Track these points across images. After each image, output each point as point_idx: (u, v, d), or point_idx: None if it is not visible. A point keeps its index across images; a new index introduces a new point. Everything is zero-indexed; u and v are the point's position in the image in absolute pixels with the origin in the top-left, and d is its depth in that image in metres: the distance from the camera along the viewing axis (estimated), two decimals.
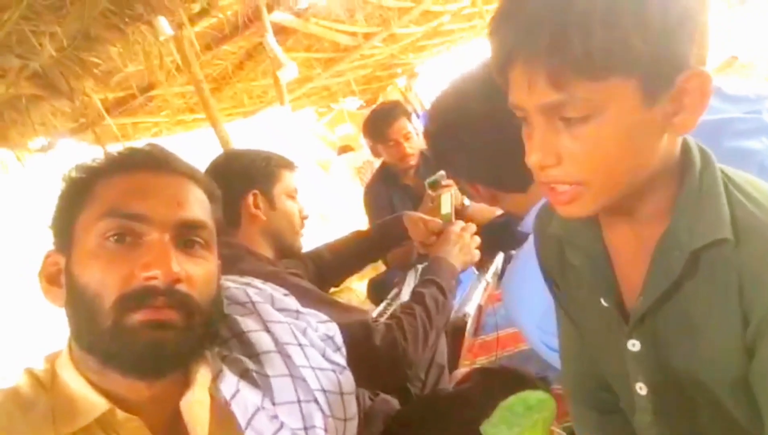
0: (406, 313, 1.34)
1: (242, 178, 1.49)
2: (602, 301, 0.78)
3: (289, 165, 1.58)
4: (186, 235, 0.82)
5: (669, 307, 0.71)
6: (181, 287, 0.77)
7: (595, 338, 0.87)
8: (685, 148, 0.69)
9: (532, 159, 0.66)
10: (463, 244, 1.57)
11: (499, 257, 2.26)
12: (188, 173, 0.87)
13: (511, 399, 0.84)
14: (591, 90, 0.59)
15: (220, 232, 1.39)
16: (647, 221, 0.71)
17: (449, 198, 1.91)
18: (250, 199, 1.48)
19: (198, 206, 0.85)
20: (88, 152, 3.66)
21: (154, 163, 0.84)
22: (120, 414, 0.76)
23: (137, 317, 0.74)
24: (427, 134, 1.25)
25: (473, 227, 1.64)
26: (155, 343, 0.75)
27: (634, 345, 0.76)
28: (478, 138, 1.13)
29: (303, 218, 1.60)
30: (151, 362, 0.76)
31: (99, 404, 0.75)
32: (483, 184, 1.21)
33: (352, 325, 1.23)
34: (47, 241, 0.85)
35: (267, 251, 1.50)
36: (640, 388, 0.79)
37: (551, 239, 0.86)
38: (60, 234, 0.81)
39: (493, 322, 1.98)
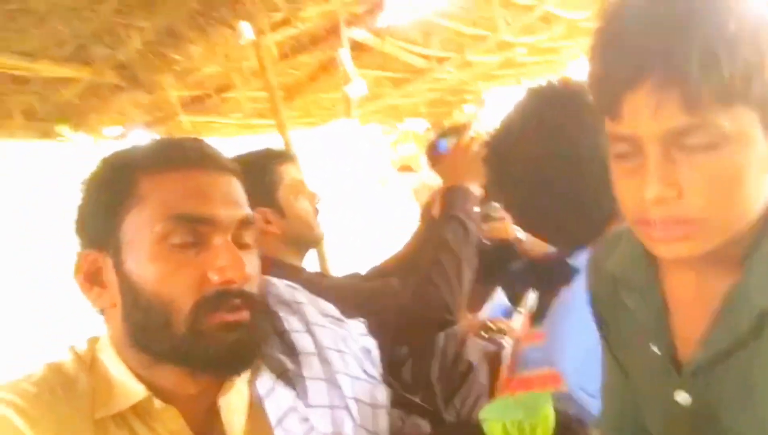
0: (434, 265, 1.30)
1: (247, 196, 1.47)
2: (653, 347, 0.75)
3: (283, 158, 1.54)
4: (243, 233, 0.82)
5: (728, 364, 0.67)
6: (248, 287, 0.79)
7: (640, 383, 0.84)
8: None
9: (649, 193, 0.60)
10: (471, 160, 1.48)
11: (533, 293, 2.22)
12: (231, 168, 0.85)
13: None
14: (723, 117, 0.56)
15: None
16: (716, 272, 0.67)
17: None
18: (262, 216, 1.45)
19: (245, 202, 0.84)
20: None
21: (203, 159, 0.81)
22: (157, 403, 0.77)
23: (214, 320, 0.75)
24: (485, 163, 1.24)
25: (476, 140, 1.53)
26: (233, 344, 0.76)
27: (681, 397, 0.72)
28: (533, 177, 1.11)
29: (316, 207, 1.55)
30: (231, 362, 0.77)
31: (137, 391, 0.76)
32: (540, 235, 1.19)
33: (382, 290, 1.19)
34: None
35: (293, 256, 1.48)
36: None
37: (606, 276, 0.83)
38: (99, 232, 0.79)
39: (534, 358, 1.94)
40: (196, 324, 0.74)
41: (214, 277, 0.75)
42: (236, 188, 0.84)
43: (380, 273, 1.71)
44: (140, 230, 0.76)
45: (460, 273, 1.31)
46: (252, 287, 0.80)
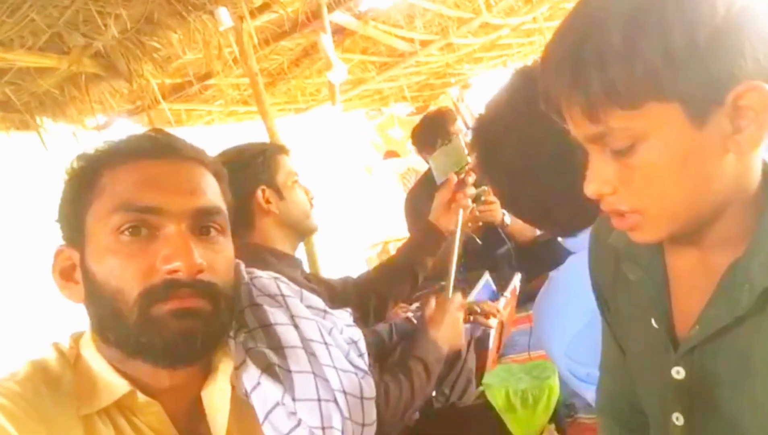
0: (394, 381, 1.28)
1: (247, 177, 1.48)
2: (653, 322, 0.75)
3: (283, 150, 1.58)
4: (202, 223, 0.81)
5: (725, 341, 0.68)
6: (204, 276, 0.77)
7: (637, 359, 0.84)
8: (767, 176, 0.66)
9: (589, 188, 0.66)
10: (454, 324, 1.48)
11: (518, 276, 2.23)
12: (197, 157, 0.85)
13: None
14: (627, 118, 0.59)
15: (235, 233, 1.40)
16: (717, 247, 0.68)
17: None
18: (260, 195, 1.48)
19: (210, 191, 0.83)
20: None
21: (161, 150, 0.82)
22: (141, 397, 0.77)
23: (165, 307, 0.74)
24: (473, 148, 1.23)
25: (458, 298, 1.55)
26: (185, 331, 0.75)
27: (678, 373, 0.73)
28: (521, 163, 1.10)
29: (311, 199, 1.59)
30: (183, 350, 0.76)
31: (120, 386, 0.76)
32: (529, 222, 1.18)
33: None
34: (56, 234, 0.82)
35: (285, 243, 1.50)
36: (677, 419, 0.76)
37: (608, 250, 0.83)
38: (70, 228, 0.80)
39: (524, 342, 1.95)
40: (145, 312, 0.74)
41: (162, 266, 0.75)
42: (198, 177, 0.83)
43: (369, 279, 1.73)
44: (98, 223, 0.77)
45: (405, 408, 1.27)
46: (211, 276, 0.78)
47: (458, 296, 1.53)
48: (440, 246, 1.73)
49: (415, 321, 1.77)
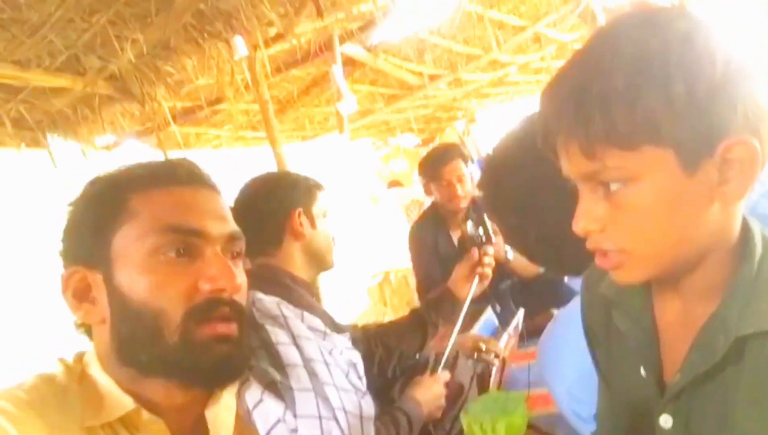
0: (384, 426, 1.30)
1: (287, 197, 1.53)
2: (642, 370, 0.77)
3: (321, 187, 1.63)
4: (231, 248, 0.84)
5: (708, 390, 0.69)
6: (238, 298, 0.80)
7: (628, 408, 0.85)
8: (746, 230, 0.68)
9: (578, 225, 0.68)
10: (437, 397, 1.55)
11: (521, 312, 2.23)
12: (216, 187, 0.88)
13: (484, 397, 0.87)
14: (624, 159, 0.62)
15: (259, 251, 1.41)
16: (699, 298, 0.70)
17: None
18: (296, 217, 1.51)
19: (233, 218, 0.87)
20: (149, 155, 3.79)
21: (189, 177, 0.84)
22: (145, 414, 0.77)
23: (206, 331, 0.76)
24: (480, 187, 1.24)
25: (446, 376, 1.63)
26: (224, 356, 0.77)
27: (666, 421, 0.74)
28: (526, 204, 1.11)
29: (333, 239, 1.63)
30: (220, 375, 0.79)
31: (125, 402, 0.77)
32: (536, 261, 1.19)
33: None
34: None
35: (304, 270, 1.52)
36: None
37: (599, 299, 0.85)
38: (89, 249, 0.80)
39: (525, 380, 1.94)
40: (187, 334, 0.75)
41: (205, 286, 0.77)
42: (223, 205, 0.86)
43: (379, 331, 1.78)
44: (132, 245, 0.78)
45: None
46: (241, 298, 0.82)
47: (446, 374, 1.61)
48: (454, 312, 1.78)
49: None
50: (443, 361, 1.64)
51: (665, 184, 0.62)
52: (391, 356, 1.71)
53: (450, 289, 1.75)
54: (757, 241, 0.67)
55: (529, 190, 1.10)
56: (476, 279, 1.76)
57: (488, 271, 1.77)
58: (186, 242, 0.78)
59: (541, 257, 1.19)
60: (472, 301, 2.35)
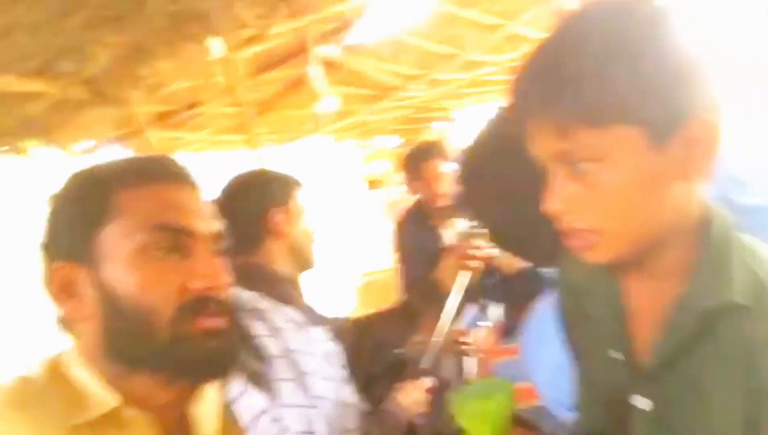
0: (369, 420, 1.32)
1: (265, 196, 1.52)
2: (614, 353, 0.78)
3: (298, 184, 1.62)
4: (216, 246, 0.84)
5: (680, 369, 0.71)
6: (225, 296, 0.81)
7: (602, 390, 0.86)
8: (706, 210, 0.70)
9: (548, 205, 0.69)
10: (418, 402, 1.55)
11: (502, 307, 2.25)
12: (198, 184, 0.88)
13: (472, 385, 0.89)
14: (595, 137, 0.63)
15: (240, 251, 1.41)
16: (665, 279, 0.72)
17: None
18: (275, 215, 1.51)
19: (216, 217, 0.88)
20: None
21: (175, 174, 0.85)
22: (130, 411, 0.77)
23: (195, 326, 0.77)
24: (459, 182, 1.25)
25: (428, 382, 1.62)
26: (214, 351, 0.78)
27: (644, 404, 0.75)
28: (505, 195, 1.12)
29: (312, 235, 1.62)
30: (210, 369, 0.79)
31: (109, 400, 0.76)
32: (512, 250, 1.20)
33: None
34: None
35: (286, 267, 1.52)
36: None
37: (571, 286, 0.87)
38: (74, 245, 0.79)
39: (508, 374, 1.95)
40: (177, 329, 0.76)
41: (196, 284, 0.78)
42: (207, 204, 0.87)
43: (367, 322, 1.77)
44: (120, 241, 0.78)
45: None
46: (228, 296, 0.82)
47: (428, 380, 1.60)
48: (442, 300, 1.76)
49: None
50: (430, 358, 1.63)
51: (634, 162, 0.64)
52: (379, 346, 1.71)
53: (436, 279, 1.75)
54: (718, 221, 0.70)
55: (504, 181, 1.11)
56: (462, 271, 1.74)
57: (475, 263, 1.75)
58: (175, 240, 0.79)
59: (516, 246, 1.20)
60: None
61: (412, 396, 1.52)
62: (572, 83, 0.62)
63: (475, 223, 2.14)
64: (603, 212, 0.67)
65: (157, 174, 0.83)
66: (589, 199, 0.66)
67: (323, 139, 3.92)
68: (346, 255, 4.37)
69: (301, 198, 1.60)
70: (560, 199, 0.68)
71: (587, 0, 0.69)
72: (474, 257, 1.70)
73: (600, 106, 0.62)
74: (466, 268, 1.70)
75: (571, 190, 0.67)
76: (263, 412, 0.91)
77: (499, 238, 1.23)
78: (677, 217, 0.68)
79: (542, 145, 0.68)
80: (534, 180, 1.03)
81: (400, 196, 6.42)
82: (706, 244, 0.69)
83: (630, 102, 0.61)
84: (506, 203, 1.12)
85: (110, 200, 0.79)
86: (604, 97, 0.61)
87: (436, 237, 2.77)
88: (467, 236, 2.11)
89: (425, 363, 1.66)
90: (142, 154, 0.89)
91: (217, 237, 0.85)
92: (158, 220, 0.78)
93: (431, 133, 7.48)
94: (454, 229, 2.23)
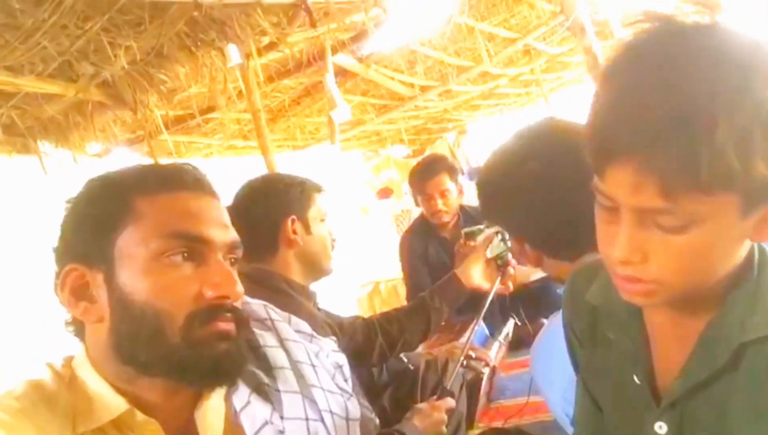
0: None
1: (280, 204, 1.52)
2: (635, 378, 0.77)
3: (319, 188, 1.62)
4: (232, 255, 0.86)
5: (705, 395, 0.70)
6: (238, 304, 0.82)
7: (616, 416, 0.85)
8: (750, 247, 0.69)
9: (616, 254, 0.64)
10: (437, 423, 1.51)
11: (510, 322, 2.24)
12: (218, 194, 0.90)
13: None
14: (700, 202, 0.58)
15: (255, 257, 1.41)
16: (693, 309, 0.71)
17: (496, 243, 1.82)
18: (289, 224, 1.51)
19: (233, 226, 0.88)
20: (139, 162, 3.77)
21: (195, 183, 0.86)
22: (139, 415, 0.78)
23: (208, 330, 0.78)
24: (479, 188, 1.25)
25: (450, 403, 1.58)
26: (224, 354, 0.80)
27: (660, 428, 0.74)
28: (535, 198, 1.12)
29: (333, 241, 1.62)
30: (219, 373, 0.80)
31: (118, 404, 0.77)
32: (533, 245, 1.19)
33: None
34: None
35: (300, 275, 1.52)
36: None
37: (586, 306, 0.85)
38: (89, 248, 0.80)
39: (516, 388, 1.94)
40: (189, 334, 0.77)
41: (209, 292, 0.79)
42: (226, 213, 0.88)
43: (380, 319, 1.76)
44: (137, 246, 0.79)
45: None
46: (240, 304, 0.84)
47: (450, 401, 1.57)
48: (460, 299, 1.76)
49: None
50: (451, 380, 1.62)
51: (725, 227, 0.61)
52: (394, 345, 1.69)
53: (455, 275, 1.74)
54: (755, 253, 0.68)
55: (532, 189, 1.11)
56: (496, 284, 1.75)
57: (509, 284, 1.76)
58: (191, 248, 0.80)
59: (538, 244, 1.18)
60: (464, 310, 2.36)
61: (430, 418, 1.48)
62: (711, 148, 0.55)
63: (479, 226, 2.14)
64: (673, 269, 0.63)
65: (176, 182, 0.84)
66: (660, 253, 0.62)
67: (335, 147, 3.93)
68: (351, 263, 4.37)
69: (321, 203, 1.59)
70: (630, 249, 0.63)
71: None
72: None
73: (728, 175, 0.56)
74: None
75: (645, 241, 0.63)
76: (267, 423, 0.90)
77: (525, 239, 1.22)
78: (732, 266, 0.67)
79: (631, 195, 0.61)
80: (570, 189, 1.02)
81: (408, 206, 6.43)
82: (746, 279, 0.68)
83: (754, 174, 0.56)
84: (538, 211, 1.12)
85: (128, 206, 0.80)
86: (736, 167, 0.55)
87: (442, 249, 2.77)
88: (472, 235, 2.12)
89: (451, 384, 1.64)
90: (161, 162, 0.90)
91: (233, 247, 0.86)
92: (175, 227, 0.80)
93: (443, 143, 7.49)
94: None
